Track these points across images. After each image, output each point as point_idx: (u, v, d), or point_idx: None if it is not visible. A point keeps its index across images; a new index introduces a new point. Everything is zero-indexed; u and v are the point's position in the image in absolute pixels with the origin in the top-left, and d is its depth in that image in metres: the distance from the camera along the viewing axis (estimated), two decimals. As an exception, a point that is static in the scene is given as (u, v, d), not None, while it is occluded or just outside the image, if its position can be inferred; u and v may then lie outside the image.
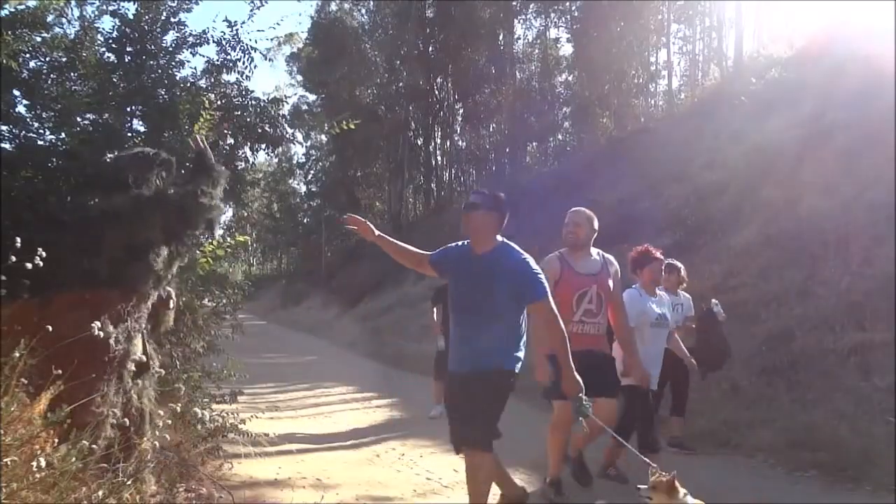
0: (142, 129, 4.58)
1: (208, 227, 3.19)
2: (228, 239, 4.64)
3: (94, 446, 2.26)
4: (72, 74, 4.42)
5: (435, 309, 7.06)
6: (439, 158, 28.22)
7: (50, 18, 4.30)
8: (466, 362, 3.11)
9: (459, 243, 3.30)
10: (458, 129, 27.65)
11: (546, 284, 3.10)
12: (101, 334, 2.49)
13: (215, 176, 3.07)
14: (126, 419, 2.70)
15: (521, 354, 3.13)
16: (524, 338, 3.18)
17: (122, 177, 2.89)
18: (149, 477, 2.83)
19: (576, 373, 3.03)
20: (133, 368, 2.87)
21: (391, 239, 3.47)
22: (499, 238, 3.16)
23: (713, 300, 5.52)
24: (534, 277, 3.06)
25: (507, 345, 3.08)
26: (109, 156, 3.21)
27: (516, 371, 3.10)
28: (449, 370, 3.29)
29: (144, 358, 2.96)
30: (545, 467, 4.87)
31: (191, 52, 4.74)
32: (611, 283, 3.89)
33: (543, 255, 4.14)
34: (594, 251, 3.96)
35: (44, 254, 2.29)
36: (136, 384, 2.92)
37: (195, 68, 4.95)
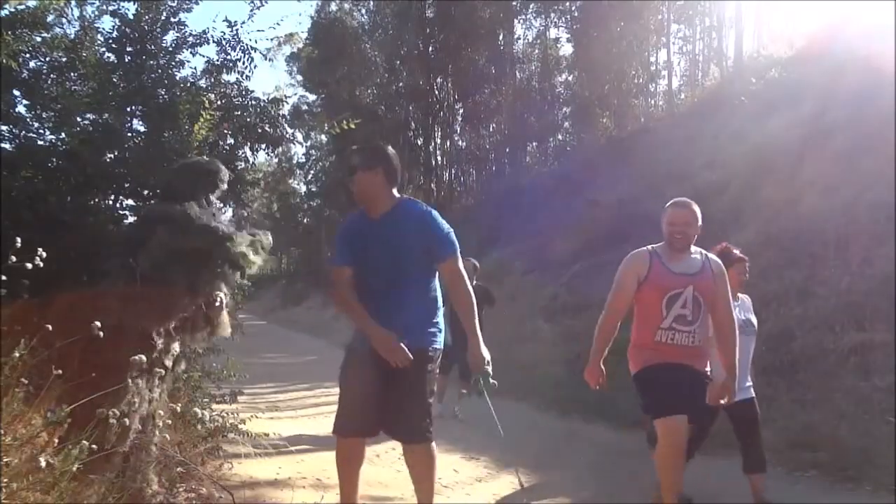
0: (142, 129, 4.59)
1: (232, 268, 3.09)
2: None
3: (93, 446, 2.26)
4: (72, 74, 4.42)
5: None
6: (439, 158, 28.20)
7: (50, 18, 4.31)
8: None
9: (353, 215, 3.02)
10: (458, 129, 27.65)
11: (456, 243, 2.85)
12: (102, 334, 2.50)
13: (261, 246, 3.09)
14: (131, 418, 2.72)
15: (440, 326, 2.91)
16: (441, 306, 2.94)
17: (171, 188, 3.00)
18: (152, 477, 2.84)
19: (483, 346, 2.80)
20: (162, 370, 2.92)
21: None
22: (396, 194, 2.87)
23: None
24: (442, 232, 2.81)
25: (425, 318, 2.85)
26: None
27: (439, 348, 2.89)
28: (357, 347, 2.91)
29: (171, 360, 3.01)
30: (545, 467, 4.88)
31: (191, 52, 4.74)
32: (714, 287, 3.27)
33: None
34: (694, 248, 3.37)
35: (44, 254, 2.29)
36: (162, 385, 2.97)
37: (195, 68, 4.96)
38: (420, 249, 2.80)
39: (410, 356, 2.73)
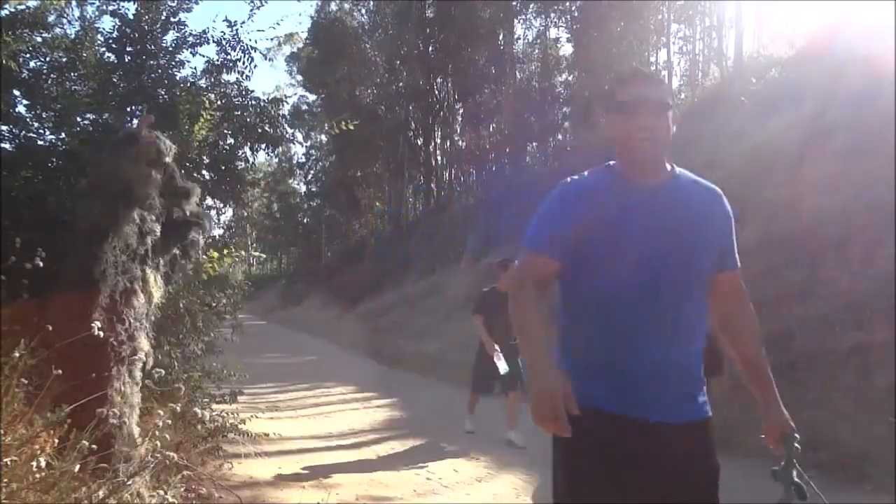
0: (142, 129, 4.59)
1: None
2: (245, 252, 4.69)
3: (93, 446, 2.26)
4: (72, 74, 4.42)
5: (480, 320, 5.92)
6: (439, 158, 28.21)
7: (50, 18, 4.31)
8: (667, 400, 1.60)
9: (595, 175, 1.82)
10: (458, 129, 27.66)
11: None
12: (102, 334, 2.50)
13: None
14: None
15: None
16: None
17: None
18: (145, 482, 2.83)
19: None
20: (141, 366, 2.92)
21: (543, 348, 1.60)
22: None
23: None
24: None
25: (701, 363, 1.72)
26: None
27: None
28: (609, 411, 1.56)
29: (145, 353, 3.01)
30: (545, 467, 4.87)
31: (191, 52, 4.76)
32: None
33: None
34: None
35: (44, 254, 2.30)
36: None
37: (195, 68, 4.98)
38: (716, 249, 1.76)
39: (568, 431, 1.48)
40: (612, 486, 1.52)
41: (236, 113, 4.77)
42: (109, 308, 2.78)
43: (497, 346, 5.60)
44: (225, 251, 4.54)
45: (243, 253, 4.80)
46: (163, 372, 3.24)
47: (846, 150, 8.02)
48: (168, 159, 3.10)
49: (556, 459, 1.66)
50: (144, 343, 3.00)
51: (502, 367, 5.55)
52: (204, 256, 4.43)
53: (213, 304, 4.75)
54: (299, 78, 31.34)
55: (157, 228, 3.05)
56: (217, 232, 5.11)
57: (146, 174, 2.95)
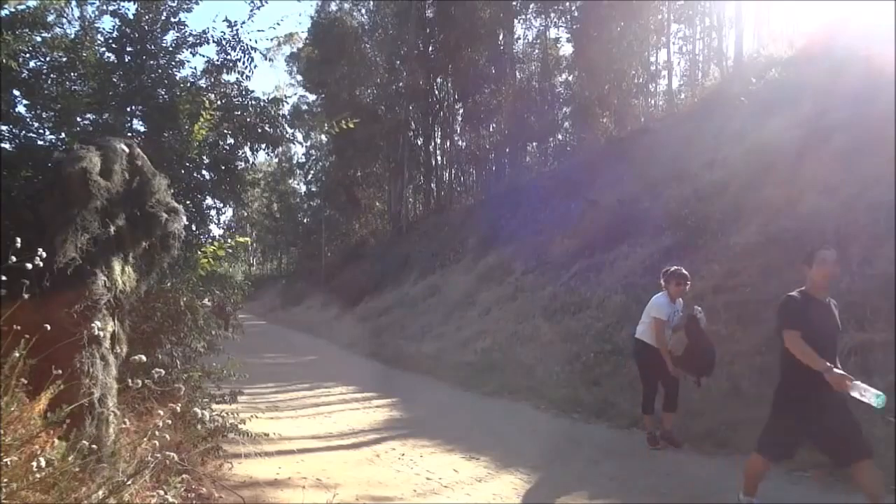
0: (142, 129, 4.60)
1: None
2: (229, 240, 4.68)
3: (93, 446, 2.26)
4: (72, 74, 4.43)
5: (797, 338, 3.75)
6: (439, 158, 28.23)
7: (50, 18, 4.32)
8: None
9: None
10: (458, 129, 27.68)
11: None
12: (102, 334, 2.51)
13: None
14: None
15: None
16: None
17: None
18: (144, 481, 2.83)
19: None
20: (110, 348, 2.92)
21: None
22: None
23: (696, 307, 5.54)
24: None
25: None
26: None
27: None
28: None
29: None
30: (545, 467, 4.88)
31: (191, 52, 4.77)
32: None
33: None
34: None
35: (44, 254, 2.30)
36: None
37: (195, 68, 4.99)
38: None
39: None
40: None
41: (236, 113, 4.78)
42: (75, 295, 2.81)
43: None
44: (217, 244, 4.53)
45: (241, 239, 4.77)
46: (163, 372, 3.24)
47: (846, 150, 8.03)
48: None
49: None
50: (109, 325, 3.01)
51: (875, 399, 3.24)
52: (199, 252, 4.44)
53: (215, 302, 4.75)
54: (299, 78, 31.42)
55: (121, 220, 3.09)
56: (217, 231, 5.11)
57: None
